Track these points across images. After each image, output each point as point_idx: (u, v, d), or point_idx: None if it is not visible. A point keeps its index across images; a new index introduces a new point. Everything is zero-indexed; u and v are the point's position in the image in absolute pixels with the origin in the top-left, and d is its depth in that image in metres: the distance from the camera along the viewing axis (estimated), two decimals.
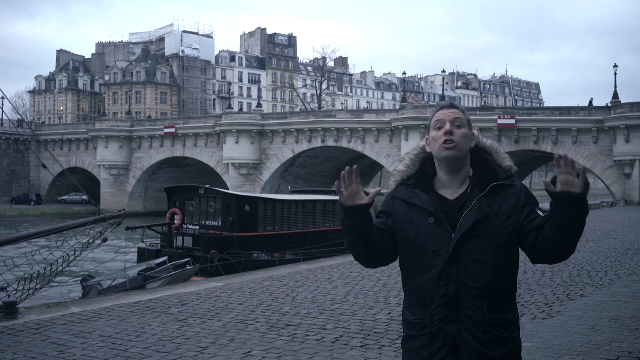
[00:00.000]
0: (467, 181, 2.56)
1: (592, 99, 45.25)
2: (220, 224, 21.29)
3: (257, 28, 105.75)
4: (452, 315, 2.45)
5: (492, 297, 2.46)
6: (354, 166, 2.47)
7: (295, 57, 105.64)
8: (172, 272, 16.41)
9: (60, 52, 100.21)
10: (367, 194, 2.49)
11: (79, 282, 17.09)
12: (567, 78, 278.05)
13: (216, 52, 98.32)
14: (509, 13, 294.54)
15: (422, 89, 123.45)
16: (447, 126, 2.51)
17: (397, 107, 58.80)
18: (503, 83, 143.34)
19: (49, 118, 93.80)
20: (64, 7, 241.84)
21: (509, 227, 2.48)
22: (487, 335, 2.44)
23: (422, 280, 2.51)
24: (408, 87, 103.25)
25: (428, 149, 2.62)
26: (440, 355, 2.46)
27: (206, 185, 22.81)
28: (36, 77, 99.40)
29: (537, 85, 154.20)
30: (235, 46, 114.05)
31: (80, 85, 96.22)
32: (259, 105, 60.81)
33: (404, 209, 2.58)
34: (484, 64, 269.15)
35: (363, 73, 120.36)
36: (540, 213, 2.51)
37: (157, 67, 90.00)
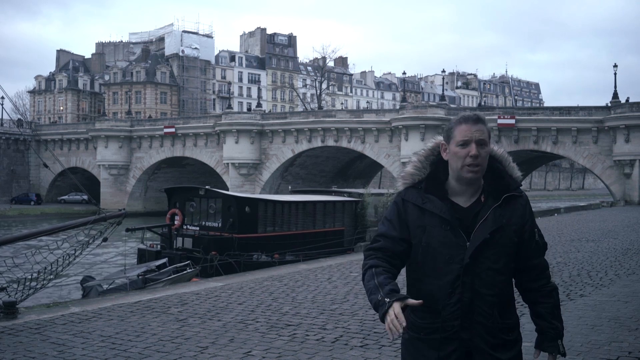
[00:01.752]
0: (479, 190, 2.59)
1: (628, 98, 42.02)
2: (220, 225, 21.26)
3: (257, 28, 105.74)
4: (466, 322, 2.49)
5: (502, 303, 2.54)
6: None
7: (295, 57, 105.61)
8: (172, 276, 16.40)
9: (60, 52, 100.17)
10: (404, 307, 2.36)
11: (79, 283, 17.08)
12: (568, 78, 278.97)
13: (216, 52, 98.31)
14: (512, 13, 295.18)
15: (422, 89, 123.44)
16: (474, 150, 2.48)
17: (397, 107, 58.77)
18: (503, 83, 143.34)
19: (49, 118, 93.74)
20: (66, 6, 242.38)
21: (516, 237, 2.56)
22: (497, 340, 2.50)
23: (434, 285, 2.52)
24: (408, 87, 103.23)
25: (445, 157, 2.59)
26: (450, 359, 2.50)
27: (206, 186, 22.78)
28: (36, 77, 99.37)
29: (537, 85, 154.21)
30: (235, 46, 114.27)
31: (80, 85, 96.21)
32: (259, 105, 60.74)
33: (416, 214, 2.58)
34: (486, 64, 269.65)
35: (363, 73, 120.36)
36: (537, 237, 2.62)
37: (157, 67, 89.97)
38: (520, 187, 2.62)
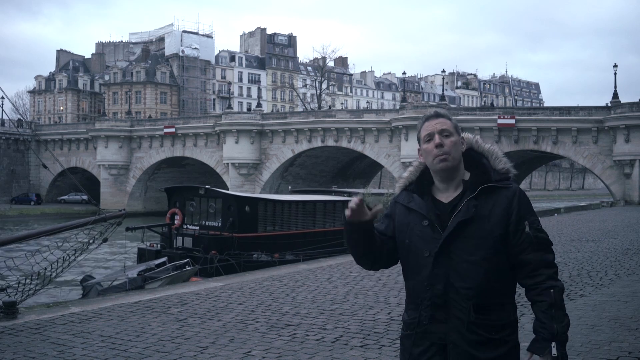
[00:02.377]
0: (462, 185, 2.61)
1: None
2: (220, 224, 21.27)
3: (257, 28, 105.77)
4: (440, 315, 2.49)
5: (481, 298, 2.47)
6: (358, 197, 2.57)
7: (295, 57, 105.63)
8: (172, 273, 16.41)
9: (60, 52, 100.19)
10: (370, 209, 2.57)
11: (79, 282, 17.09)
12: (569, 78, 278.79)
13: (216, 52, 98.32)
14: (513, 13, 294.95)
15: (422, 89, 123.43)
16: (437, 139, 2.56)
17: (397, 107, 58.77)
18: (503, 83, 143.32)
19: (49, 118, 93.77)
20: (67, 6, 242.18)
21: (499, 230, 2.50)
22: (475, 336, 2.45)
23: (415, 281, 2.57)
24: (408, 87, 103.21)
25: (421, 160, 2.68)
26: (427, 355, 2.50)
27: (206, 186, 22.79)
28: (36, 77, 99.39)
29: (537, 85, 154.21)
30: (235, 46, 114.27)
31: (80, 85, 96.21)
32: (259, 105, 60.73)
33: (403, 213, 2.66)
34: (486, 64, 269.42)
35: (363, 73, 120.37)
36: (528, 229, 2.51)
37: (157, 67, 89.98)
38: (509, 179, 2.58)
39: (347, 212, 2.55)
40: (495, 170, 2.60)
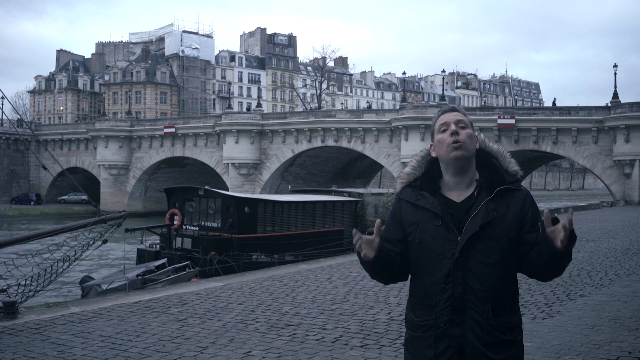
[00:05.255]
0: (474, 184, 2.59)
1: None
2: (219, 225, 21.25)
3: (257, 28, 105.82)
4: (457, 317, 2.47)
5: (497, 300, 2.49)
6: (359, 240, 2.51)
7: (295, 57, 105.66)
8: (171, 276, 16.38)
9: (60, 52, 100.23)
10: (371, 233, 2.53)
11: (78, 283, 17.06)
12: (571, 78, 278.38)
13: (216, 52, 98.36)
14: (516, 12, 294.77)
15: (422, 89, 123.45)
16: (453, 127, 2.54)
17: (397, 107, 58.76)
18: (503, 83, 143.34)
19: (49, 118, 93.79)
20: (71, 6, 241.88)
21: (513, 232, 2.51)
22: (491, 338, 2.46)
23: (428, 282, 2.53)
24: (408, 87, 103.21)
25: (434, 154, 2.64)
26: (445, 356, 2.48)
27: (206, 187, 22.77)
28: (36, 77, 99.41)
29: (537, 85, 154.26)
30: (235, 46, 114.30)
31: (80, 85, 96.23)
32: (259, 105, 60.72)
33: (411, 211, 2.60)
34: (489, 64, 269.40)
35: (363, 73, 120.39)
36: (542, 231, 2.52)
37: (157, 67, 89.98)
38: (519, 182, 2.60)
39: (361, 255, 2.52)
40: (508, 172, 2.60)
